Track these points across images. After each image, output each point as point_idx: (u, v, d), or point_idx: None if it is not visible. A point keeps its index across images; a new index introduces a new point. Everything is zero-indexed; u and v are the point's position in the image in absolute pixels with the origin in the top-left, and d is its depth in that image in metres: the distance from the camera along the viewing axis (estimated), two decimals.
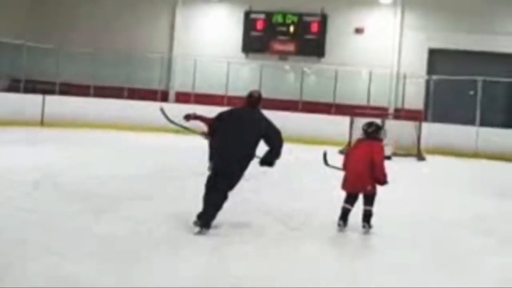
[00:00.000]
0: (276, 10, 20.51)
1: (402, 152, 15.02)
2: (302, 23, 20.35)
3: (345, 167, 6.53)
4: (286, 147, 6.40)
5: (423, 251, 5.85)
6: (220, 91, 19.41)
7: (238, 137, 6.01)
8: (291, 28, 20.39)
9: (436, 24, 19.62)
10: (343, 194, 6.39)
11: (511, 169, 14.70)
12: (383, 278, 4.85)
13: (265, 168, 6.25)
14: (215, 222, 6.07)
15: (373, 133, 6.50)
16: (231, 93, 19.12)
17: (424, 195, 9.17)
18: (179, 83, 21.07)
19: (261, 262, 5.08)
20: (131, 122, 17.80)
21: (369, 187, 6.29)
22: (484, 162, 15.78)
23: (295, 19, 20.38)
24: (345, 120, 16.37)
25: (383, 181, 6.30)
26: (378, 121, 7.61)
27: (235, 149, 5.98)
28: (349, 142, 15.56)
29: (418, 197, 8.82)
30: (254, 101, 6.37)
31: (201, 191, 5.89)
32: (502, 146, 16.53)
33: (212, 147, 7.34)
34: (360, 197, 6.43)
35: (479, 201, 9.21)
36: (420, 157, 15.28)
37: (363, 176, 6.26)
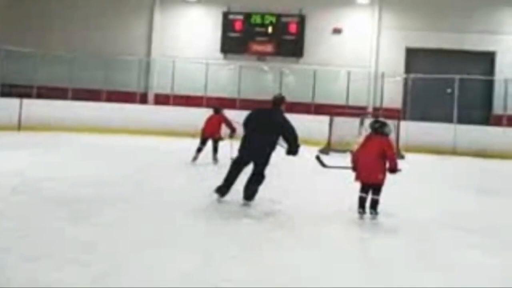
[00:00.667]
0: (254, 10, 20.57)
1: None
2: (280, 24, 20.44)
3: (356, 162, 7.10)
4: None
5: (411, 251, 5.84)
6: (199, 92, 19.40)
7: (259, 132, 7.44)
8: (270, 29, 20.47)
9: (413, 24, 19.87)
10: (327, 191, 6.39)
11: (489, 166, 14.90)
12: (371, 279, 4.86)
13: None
14: (204, 223, 6.27)
15: (379, 129, 7.17)
16: (210, 94, 19.13)
17: (404, 194, 9.19)
18: (157, 85, 20.97)
19: (246, 264, 5.05)
20: (110, 125, 17.70)
21: (380, 176, 6.98)
22: (462, 159, 15.96)
23: (273, 19, 20.46)
24: (324, 119, 16.45)
25: (395, 169, 6.97)
26: (381, 119, 8.03)
27: (257, 142, 7.44)
28: (329, 142, 15.66)
29: (398, 195, 8.85)
30: (276, 102, 7.74)
31: (184, 191, 5.88)
32: (479, 143, 16.79)
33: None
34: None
35: (460, 198, 9.29)
36: (399, 155, 15.36)
37: (375, 167, 6.98)
